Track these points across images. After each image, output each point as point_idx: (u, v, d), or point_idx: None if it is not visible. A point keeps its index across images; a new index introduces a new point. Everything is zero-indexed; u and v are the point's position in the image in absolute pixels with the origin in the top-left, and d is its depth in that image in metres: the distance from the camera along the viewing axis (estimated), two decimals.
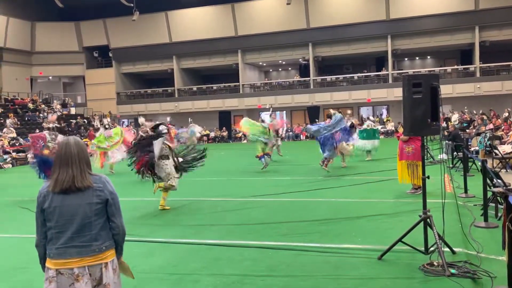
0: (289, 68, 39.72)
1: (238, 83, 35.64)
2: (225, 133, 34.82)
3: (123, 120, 37.14)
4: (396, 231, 5.92)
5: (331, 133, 12.35)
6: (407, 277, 4.64)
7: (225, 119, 36.16)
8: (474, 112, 27.01)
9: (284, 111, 37.05)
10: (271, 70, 40.66)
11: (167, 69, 36.82)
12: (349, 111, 25.53)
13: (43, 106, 33.48)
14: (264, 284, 4.65)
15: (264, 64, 38.49)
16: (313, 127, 13.18)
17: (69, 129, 30.40)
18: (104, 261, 2.78)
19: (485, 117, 22.00)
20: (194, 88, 37.38)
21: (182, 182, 12.91)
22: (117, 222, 2.84)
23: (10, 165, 21.11)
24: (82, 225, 2.73)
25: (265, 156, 14.16)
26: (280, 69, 40.49)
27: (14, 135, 25.20)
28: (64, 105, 35.64)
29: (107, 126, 22.77)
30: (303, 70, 36.63)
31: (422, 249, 5.11)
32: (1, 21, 33.25)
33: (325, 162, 12.63)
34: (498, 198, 6.80)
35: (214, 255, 5.72)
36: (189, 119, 26.73)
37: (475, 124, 22.17)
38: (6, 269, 5.59)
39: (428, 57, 36.43)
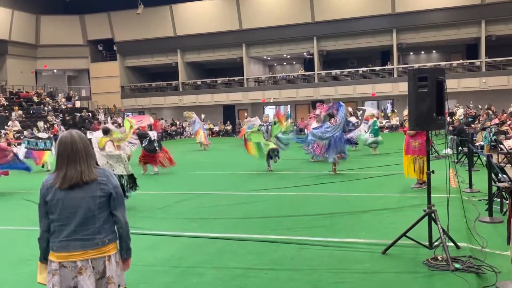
0: (294, 62, 39.61)
1: (242, 77, 35.58)
2: (229, 127, 34.82)
3: (127, 113, 37.19)
4: (400, 225, 5.91)
5: (340, 132, 11.42)
6: (411, 271, 4.64)
7: (229, 113, 36.17)
8: (480, 106, 26.87)
9: (289, 105, 36.98)
10: (275, 64, 40.57)
11: (172, 62, 36.80)
12: (350, 108, 25.39)
13: (47, 99, 33.57)
14: (268, 277, 4.66)
15: (269, 58, 38.39)
16: (317, 133, 11.82)
17: (73, 122, 30.47)
18: (107, 254, 2.78)
19: (490, 112, 21.88)
20: (199, 82, 37.37)
21: (186, 176, 12.98)
22: (119, 216, 2.83)
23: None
24: (85, 218, 2.73)
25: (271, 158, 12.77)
26: (284, 63, 40.39)
27: (19, 128, 25.31)
28: (68, 99, 35.72)
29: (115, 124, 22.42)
30: (308, 64, 36.52)
31: (427, 243, 5.10)
32: (6, 14, 33.29)
33: (335, 166, 11.78)
34: (503, 193, 6.79)
35: (218, 248, 5.73)
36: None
37: (481, 119, 22.06)
38: (12, 261, 5.63)
39: (434, 51, 36.24)
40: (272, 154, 12.66)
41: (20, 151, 14.95)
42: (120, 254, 2.90)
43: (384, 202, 8.02)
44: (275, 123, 12.79)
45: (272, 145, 12.53)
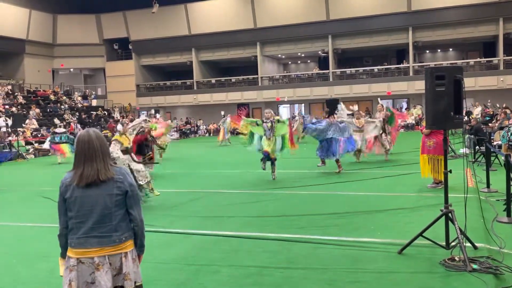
0: (308, 61, 39.48)
1: (256, 76, 35.58)
2: None
3: (142, 112, 37.48)
4: (416, 225, 5.85)
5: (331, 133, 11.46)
6: (427, 271, 4.59)
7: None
8: (497, 105, 26.49)
9: (303, 104, 36.90)
10: (290, 62, 40.48)
11: (186, 61, 36.96)
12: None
13: (64, 98, 33.95)
14: (283, 276, 4.65)
15: (283, 57, 38.33)
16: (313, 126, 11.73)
17: (90, 120, 30.79)
18: (124, 250, 2.82)
19: (508, 111, 21.54)
20: (213, 80, 37.45)
21: (200, 174, 13.03)
22: (134, 214, 2.87)
23: (32, 156, 21.50)
24: (103, 215, 2.77)
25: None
26: (299, 62, 40.28)
27: (36, 126, 25.64)
28: (84, 97, 36.10)
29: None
30: (322, 63, 36.38)
31: (443, 244, 5.04)
32: (23, 14, 33.76)
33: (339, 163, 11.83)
34: None
35: (233, 246, 5.74)
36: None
37: (498, 118, 21.74)
38: (29, 257, 5.71)
39: (450, 49, 35.82)
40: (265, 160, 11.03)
41: (45, 144, 18.63)
42: None
43: (400, 201, 7.94)
44: (278, 121, 11.44)
45: (270, 147, 10.84)
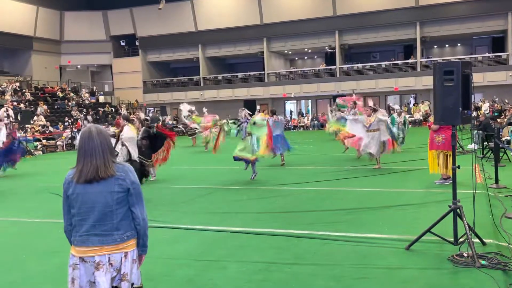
0: (315, 56, 39.33)
1: (263, 72, 35.52)
2: None
3: (149, 108, 37.55)
4: (424, 221, 5.83)
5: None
6: (435, 267, 4.58)
7: (250, 108, 36.11)
8: (506, 101, 26.29)
9: (310, 100, 36.80)
10: (296, 58, 40.34)
11: (193, 57, 36.94)
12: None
13: (71, 94, 34.09)
14: (291, 272, 4.66)
15: (290, 53, 38.19)
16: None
17: (97, 117, 30.91)
18: (125, 250, 2.77)
19: None
20: (219, 76, 37.43)
21: (207, 170, 13.06)
22: (137, 212, 2.81)
23: (40, 152, 21.64)
24: (104, 213, 2.73)
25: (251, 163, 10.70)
26: (305, 57, 40.14)
27: (44, 122, 25.78)
28: (92, 94, 36.22)
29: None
30: (329, 58, 36.24)
31: (452, 239, 5.02)
32: (30, 10, 33.90)
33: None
34: None
35: (240, 242, 5.75)
36: None
37: (507, 113, 21.59)
38: (40, 252, 5.76)
39: (458, 44, 35.52)
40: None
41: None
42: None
43: (408, 197, 7.93)
44: (254, 123, 10.78)
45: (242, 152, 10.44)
